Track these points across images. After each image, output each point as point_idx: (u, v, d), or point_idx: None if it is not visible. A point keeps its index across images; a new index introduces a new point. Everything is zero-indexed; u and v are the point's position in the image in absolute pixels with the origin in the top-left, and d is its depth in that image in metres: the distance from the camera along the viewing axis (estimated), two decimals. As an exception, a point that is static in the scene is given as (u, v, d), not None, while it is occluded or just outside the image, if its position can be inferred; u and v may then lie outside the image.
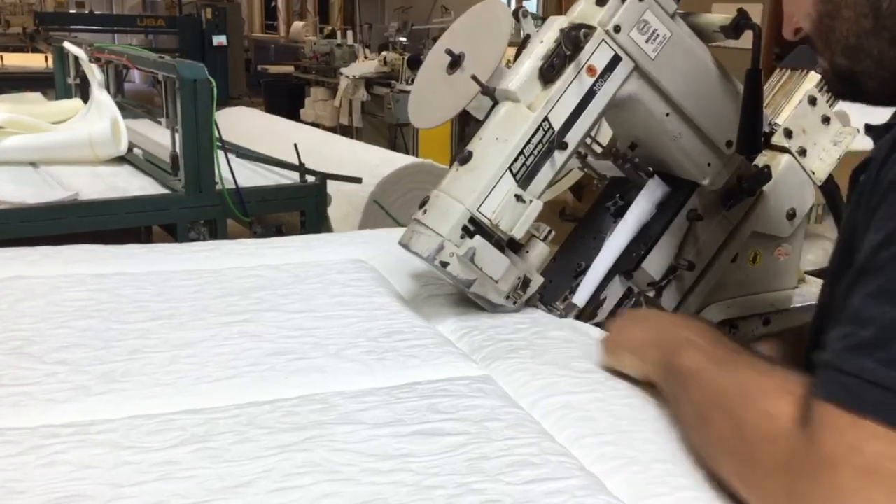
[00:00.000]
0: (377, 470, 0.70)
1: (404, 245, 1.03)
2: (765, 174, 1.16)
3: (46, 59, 6.19)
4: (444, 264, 0.99)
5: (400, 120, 5.99)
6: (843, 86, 0.80)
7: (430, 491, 0.67)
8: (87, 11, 9.78)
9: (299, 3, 13.14)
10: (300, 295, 1.14)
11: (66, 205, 2.43)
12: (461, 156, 1.03)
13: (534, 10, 9.98)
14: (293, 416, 0.80)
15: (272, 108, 7.56)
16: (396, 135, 6.25)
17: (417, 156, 4.66)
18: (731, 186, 1.16)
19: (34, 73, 5.95)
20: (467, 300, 1.07)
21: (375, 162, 3.16)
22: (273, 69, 9.10)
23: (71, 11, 9.64)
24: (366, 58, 7.19)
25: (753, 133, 1.01)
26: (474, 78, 1.07)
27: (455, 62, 1.17)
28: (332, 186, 2.72)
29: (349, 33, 8.48)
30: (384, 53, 6.64)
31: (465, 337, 1.03)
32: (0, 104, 3.40)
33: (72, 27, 7.88)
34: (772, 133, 1.19)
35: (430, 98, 1.28)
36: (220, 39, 8.16)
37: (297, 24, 10.60)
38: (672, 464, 0.72)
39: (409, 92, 5.81)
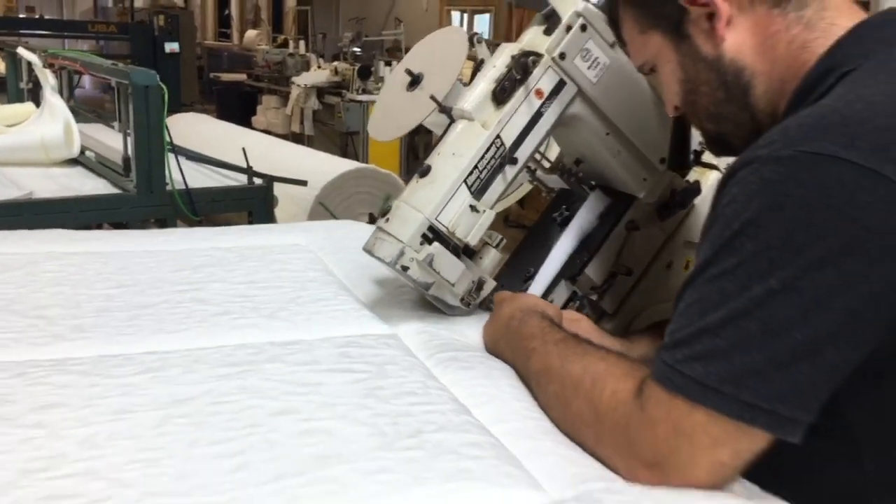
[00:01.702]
0: (294, 392, 0.87)
1: (368, 251, 1.11)
2: (695, 189, 1.27)
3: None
4: (405, 268, 1.08)
5: (350, 128, 6.10)
6: (716, 146, 0.99)
7: (332, 407, 0.85)
8: (37, 16, 9.63)
9: (253, 12, 13.12)
10: (244, 271, 1.30)
11: (21, 203, 2.47)
12: (421, 169, 1.12)
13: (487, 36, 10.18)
14: (231, 357, 0.96)
15: (224, 115, 7.57)
16: (347, 143, 6.34)
17: (367, 163, 4.77)
18: (665, 200, 1.27)
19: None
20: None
21: (321, 167, 3.30)
22: (225, 77, 9.11)
23: (21, 16, 9.48)
24: (319, 67, 7.27)
25: (682, 152, 1.12)
26: (433, 98, 1.16)
27: (414, 81, 1.26)
28: (279, 189, 2.83)
29: (301, 43, 8.53)
30: (335, 63, 6.74)
31: (380, 302, 1.21)
32: (-51, 109, 3.40)
33: (22, 32, 7.77)
34: (702, 151, 1.30)
35: (391, 113, 1.37)
36: (172, 46, 8.14)
37: (251, 33, 10.60)
38: (527, 402, 0.90)
39: (359, 101, 5.92)
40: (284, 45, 8.81)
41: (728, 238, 0.73)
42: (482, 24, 11.78)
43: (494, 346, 1.06)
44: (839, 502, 0.83)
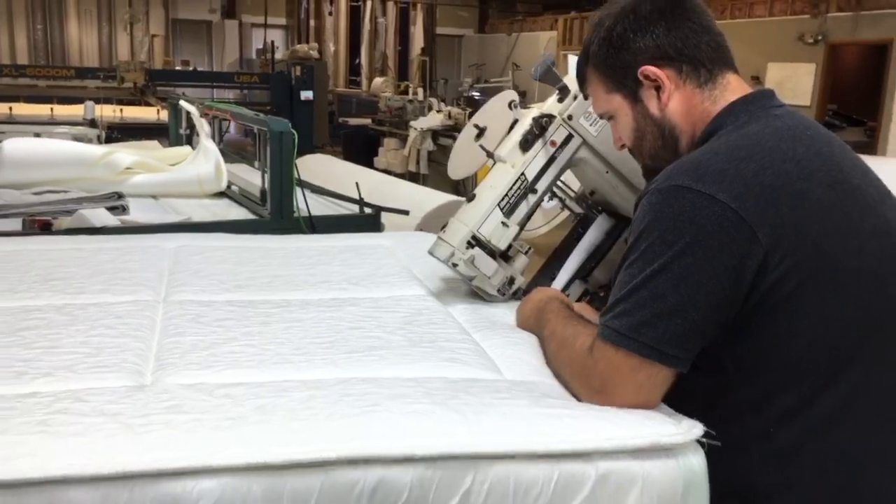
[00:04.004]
0: (363, 320, 1.45)
1: (430, 253, 1.58)
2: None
3: (158, 111, 7.07)
4: (455, 265, 1.55)
5: (463, 169, 6.61)
6: (650, 176, 1.35)
7: (383, 327, 1.41)
8: (191, 69, 10.83)
9: (381, 61, 14.06)
10: (341, 258, 1.88)
11: (183, 224, 3.08)
12: (469, 196, 1.60)
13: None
14: (327, 303, 1.54)
15: (350, 156, 8.26)
16: (459, 181, 6.87)
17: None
18: (656, 221, 1.68)
19: (147, 123, 6.80)
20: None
21: (424, 199, 3.82)
22: (353, 121, 9.89)
23: (177, 68, 10.70)
24: (439, 111, 7.88)
25: (653, 186, 1.52)
26: (482, 147, 1.64)
27: (480, 133, 1.74)
28: (386, 218, 3.37)
29: (420, 90, 9.20)
30: (448, 108, 7.33)
31: (430, 278, 1.74)
32: (127, 150, 4.15)
33: (177, 83, 8.80)
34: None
35: (463, 157, 1.86)
36: (306, 94, 8.95)
37: (377, 80, 11.45)
38: (510, 332, 1.43)
39: None
40: (405, 92, 9.54)
41: (634, 241, 1.15)
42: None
43: (525, 322, 1.46)
44: (726, 420, 1.13)
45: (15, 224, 3.07)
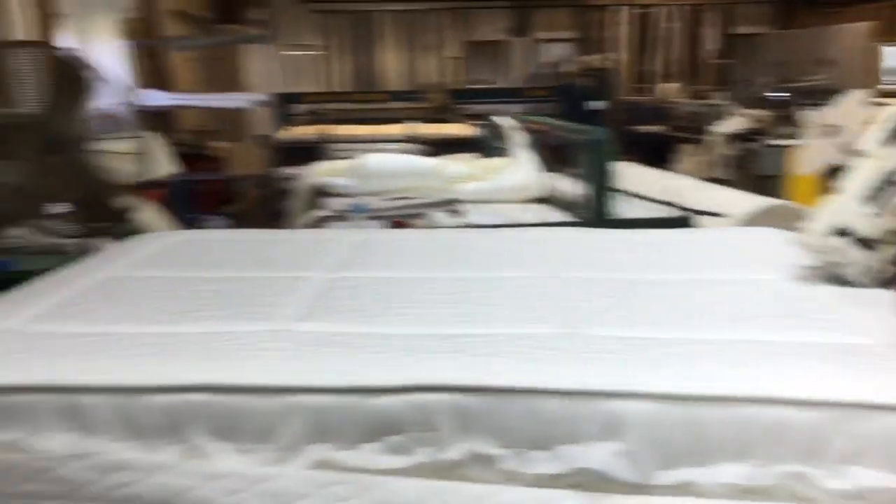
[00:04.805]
0: (734, 295, 1.61)
1: (796, 242, 1.71)
2: None
3: (462, 127, 7.66)
4: (820, 253, 1.66)
5: (766, 172, 6.37)
6: None
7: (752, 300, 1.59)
8: (485, 87, 11.56)
9: (670, 66, 13.81)
10: (699, 249, 2.10)
11: (511, 224, 3.45)
12: (835, 188, 1.70)
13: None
14: (693, 282, 1.75)
15: (644, 163, 8.25)
16: (763, 186, 6.63)
17: (787, 204, 5.02)
18: None
19: (457, 138, 7.40)
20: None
21: (740, 202, 3.81)
22: (642, 128, 9.86)
23: (476, 86, 11.49)
24: (741, 115, 7.63)
25: None
26: (840, 145, 1.74)
27: (831, 131, 1.83)
28: (704, 221, 3.46)
29: (716, 94, 8.94)
30: (752, 111, 7.10)
31: (783, 266, 1.73)
32: (455, 162, 4.67)
33: (472, 100, 9.44)
34: None
35: (813, 153, 1.97)
36: (596, 104, 9.09)
37: (668, 86, 11.32)
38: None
39: (777, 146, 6.06)
40: (700, 96, 9.33)
41: None
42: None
43: None
44: None
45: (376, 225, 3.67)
